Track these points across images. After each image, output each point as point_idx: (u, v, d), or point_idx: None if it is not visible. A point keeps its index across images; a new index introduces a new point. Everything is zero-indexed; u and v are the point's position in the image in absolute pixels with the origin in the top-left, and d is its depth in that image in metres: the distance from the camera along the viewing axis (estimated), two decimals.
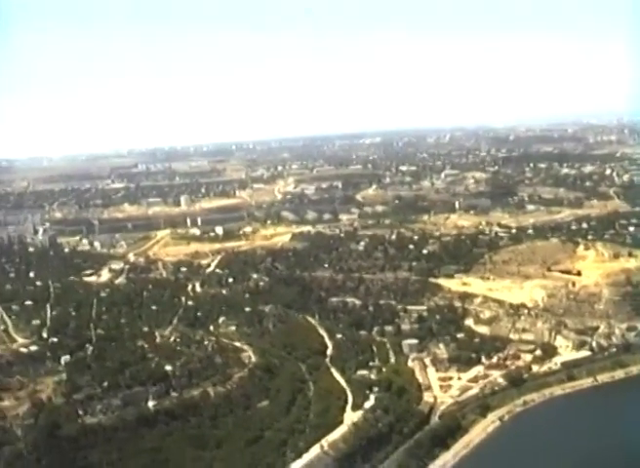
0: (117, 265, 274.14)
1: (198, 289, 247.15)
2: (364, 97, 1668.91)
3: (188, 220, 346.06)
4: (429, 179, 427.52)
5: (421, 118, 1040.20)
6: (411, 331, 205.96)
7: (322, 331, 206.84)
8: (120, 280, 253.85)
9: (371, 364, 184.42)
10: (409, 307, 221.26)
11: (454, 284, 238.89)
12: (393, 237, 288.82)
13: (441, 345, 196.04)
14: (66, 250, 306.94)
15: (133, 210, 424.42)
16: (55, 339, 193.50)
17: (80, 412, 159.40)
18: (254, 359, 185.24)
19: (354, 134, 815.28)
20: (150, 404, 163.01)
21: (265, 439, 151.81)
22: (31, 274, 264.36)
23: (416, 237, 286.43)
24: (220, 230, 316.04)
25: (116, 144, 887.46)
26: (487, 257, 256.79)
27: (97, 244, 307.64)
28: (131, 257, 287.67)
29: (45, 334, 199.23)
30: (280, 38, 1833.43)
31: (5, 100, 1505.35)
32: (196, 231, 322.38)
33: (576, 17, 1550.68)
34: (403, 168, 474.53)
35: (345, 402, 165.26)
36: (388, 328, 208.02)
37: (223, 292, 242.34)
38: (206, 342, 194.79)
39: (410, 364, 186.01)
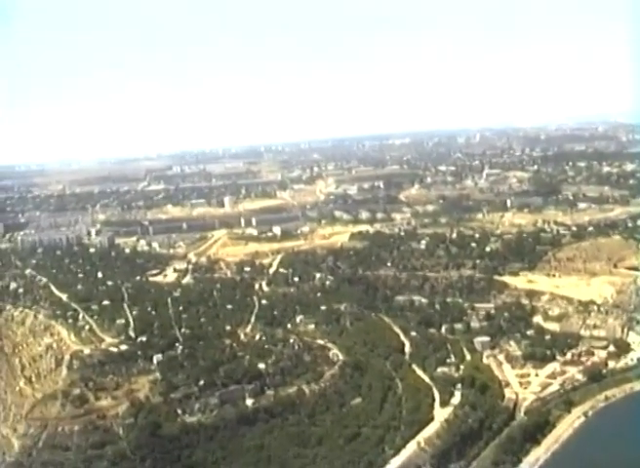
0: (181, 265, 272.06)
1: (265, 288, 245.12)
2: (391, 97, 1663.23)
3: (242, 221, 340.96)
4: (472, 179, 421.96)
5: (448, 118, 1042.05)
6: (480, 328, 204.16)
7: (396, 329, 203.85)
8: (187, 280, 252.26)
9: (448, 361, 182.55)
10: (476, 305, 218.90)
11: (519, 281, 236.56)
12: (454, 235, 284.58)
13: (512, 342, 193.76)
14: (127, 250, 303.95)
15: (176, 211, 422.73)
16: (143, 339, 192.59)
17: (179, 411, 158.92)
18: (341, 357, 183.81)
19: (382, 134, 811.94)
20: (248, 402, 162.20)
21: (363, 436, 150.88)
22: (99, 274, 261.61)
23: (477, 235, 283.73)
24: (277, 230, 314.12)
25: (144, 148, 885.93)
26: (550, 255, 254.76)
27: (155, 244, 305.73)
28: (192, 258, 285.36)
29: (132, 334, 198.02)
30: (305, 39, 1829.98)
31: (32, 105, 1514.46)
32: (253, 231, 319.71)
33: (593, 17, 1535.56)
34: (442, 168, 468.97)
35: (432, 398, 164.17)
36: (458, 325, 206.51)
37: (291, 290, 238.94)
38: (291, 340, 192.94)
39: (485, 361, 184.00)
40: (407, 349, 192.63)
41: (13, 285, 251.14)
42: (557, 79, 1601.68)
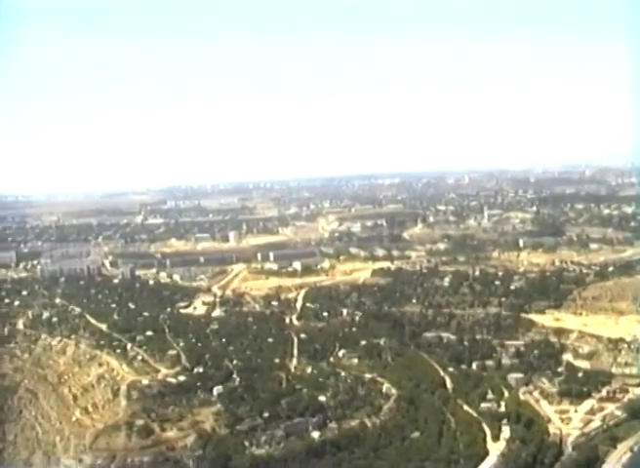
0: (207, 298, 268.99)
1: (295, 322, 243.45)
2: (377, 138, 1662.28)
3: (259, 255, 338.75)
4: (475, 219, 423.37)
5: (433, 160, 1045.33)
6: (511, 365, 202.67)
7: (434, 365, 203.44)
8: (217, 313, 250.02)
9: (488, 397, 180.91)
10: (506, 342, 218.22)
11: (546, 319, 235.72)
12: (476, 273, 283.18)
13: (544, 379, 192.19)
14: (150, 282, 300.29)
15: (180, 245, 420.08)
16: (200, 370, 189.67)
17: (246, 444, 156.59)
18: (394, 391, 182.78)
19: (370, 174, 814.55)
20: (314, 434, 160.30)
21: None
22: (131, 305, 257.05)
23: (499, 273, 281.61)
24: (297, 265, 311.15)
25: (131, 182, 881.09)
26: (576, 294, 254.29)
27: (176, 277, 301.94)
28: (216, 291, 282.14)
29: (187, 365, 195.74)
30: (292, 80, 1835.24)
31: (16, 138, 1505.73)
32: (273, 266, 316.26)
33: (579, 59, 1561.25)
34: (441, 207, 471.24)
35: (484, 433, 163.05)
36: (489, 362, 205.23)
37: (320, 325, 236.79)
38: (343, 374, 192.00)
39: (522, 397, 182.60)
40: (448, 384, 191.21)
41: (45, 314, 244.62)
42: (541, 123, 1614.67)
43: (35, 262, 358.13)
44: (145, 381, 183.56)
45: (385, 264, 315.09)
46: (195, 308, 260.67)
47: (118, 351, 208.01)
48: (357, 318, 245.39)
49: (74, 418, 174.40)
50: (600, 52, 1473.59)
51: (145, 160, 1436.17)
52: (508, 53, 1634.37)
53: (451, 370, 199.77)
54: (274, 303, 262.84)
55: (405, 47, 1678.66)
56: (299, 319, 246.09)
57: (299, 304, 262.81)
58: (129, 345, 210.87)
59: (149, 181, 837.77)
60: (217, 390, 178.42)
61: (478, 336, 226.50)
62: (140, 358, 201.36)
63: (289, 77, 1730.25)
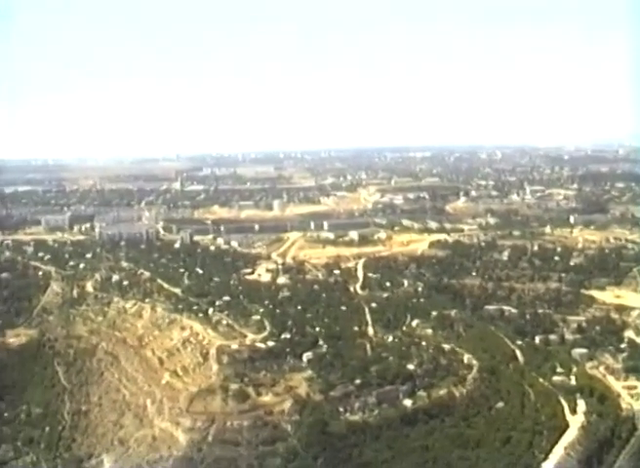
0: (269, 265, 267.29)
1: (360, 291, 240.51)
2: (408, 110, 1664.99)
3: (312, 224, 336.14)
4: (518, 194, 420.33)
5: (463, 134, 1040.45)
6: (574, 340, 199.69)
7: (502, 337, 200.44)
8: (282, 280, 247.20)
9: (558, 370, 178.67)
10: (568, 317, 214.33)
11: (607, 296, 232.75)
12: (535, 248, 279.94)
13: (607, 355, 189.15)
14: (212, 248, 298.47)
15: (223, 212, 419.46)
16: (287, 336, 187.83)
17: (340, 410, 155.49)
18: (474, 361, 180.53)
19: (399, 147, 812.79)
20: (406, 402, 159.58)
21: (514, 439, 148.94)
22: (198, 270, 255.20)
23: (558, 249, 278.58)
24: (354, 235, 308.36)
25: (160, 148, 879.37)
26: (636, 271, 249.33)
27: (234, 244, 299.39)
28: (276, 258, 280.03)
29: (273, 330, 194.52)
30: (323, 49, 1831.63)
31: (45, 102, 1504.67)
32: (329, 235, 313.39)
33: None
34: (482, 182, 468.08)
35: (561, 405, 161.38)
36: (552, 336, 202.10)
37: (385, 295, 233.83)
38: (423, 343, 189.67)
39: (589, 372, 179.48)
40: (519, 357, 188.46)
41: (115, 277, 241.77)
42: (570, 101, 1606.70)
43: (87, 225, 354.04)
44: (235, 346, 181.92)
45: (441, 236, 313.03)
46: (260, 275, 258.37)
47: (200, 315, 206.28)
48: (420, 289, 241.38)
49: (164, 381, 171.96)
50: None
51: (175, 127, 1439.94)
52: (541, 31, 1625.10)
53: (518, 342, 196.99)
54: (336, 272, 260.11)
55: (439, 23, 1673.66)
56: (362, 288, 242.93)
57: (359, 274, 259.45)
58: (210, 310, 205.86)
59: (179, 148, 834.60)
60: (306, 356, 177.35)
61: (540, 311, 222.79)
62: (224, 322, 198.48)
63: (319, 47, 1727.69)
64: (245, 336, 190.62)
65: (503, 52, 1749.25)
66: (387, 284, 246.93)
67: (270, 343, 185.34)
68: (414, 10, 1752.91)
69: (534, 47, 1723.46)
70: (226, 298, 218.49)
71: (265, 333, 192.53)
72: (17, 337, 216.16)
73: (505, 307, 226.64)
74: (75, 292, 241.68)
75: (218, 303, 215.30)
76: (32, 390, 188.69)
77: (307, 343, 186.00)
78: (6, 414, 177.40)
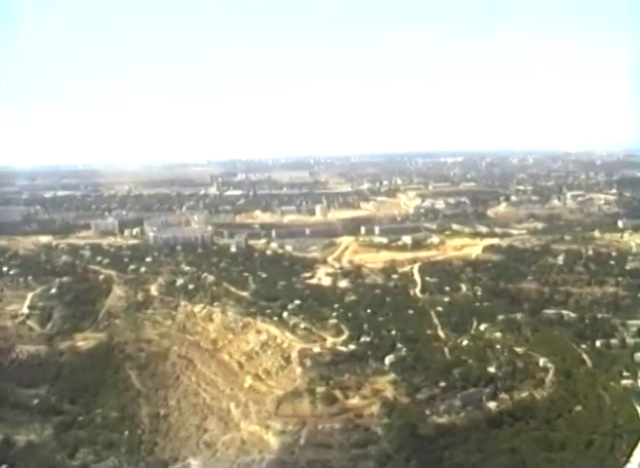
0: (328, 269, 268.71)
1: (419, 295, 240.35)
2: (436, 116, 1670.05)
3: (362, 229, 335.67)
4: (559, 199, 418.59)
5: (492, 139, 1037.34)
6: (635, 344, 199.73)
7: (567, 341, 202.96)
8: (344, 284, 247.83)
9: (624, 374, 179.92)
10: (627, 322, 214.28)
11: None
12: (589, 252, 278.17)
13: None
14: (268, 252, 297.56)
15: (266, 217, 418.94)
16: (367, 339, 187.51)
17: (427, 412, 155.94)
18: (549, 364, 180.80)
19: (429, 152, 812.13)
20: (490, 405, 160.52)
21: (597, 442, 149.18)
22: (261, 274, 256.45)
23: (613, 253, 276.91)
24: (407, 239, 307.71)
25: (189, 154, 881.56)
26: None
27: (288, 248, 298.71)
28: (332, 262, 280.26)
29: (351, 333, 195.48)
30: (351, 55, 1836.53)
31: (71, 106, 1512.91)
32: (382, 239, 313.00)
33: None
34: (520, 187, 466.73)
35: (635, 409, 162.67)
36: (613, 341, 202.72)
37: (446, 299, 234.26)
38: (498, 347, 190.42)
39: None
40: (587, 360, 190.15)
41: (179, 281, 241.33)
42: (598, 105, 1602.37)
43: (137, 230, 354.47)
44: (317, 349, 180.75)
45: (493, 241, 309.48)
46: (320, 279, 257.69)
47: (274, 319, 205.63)
48: (479, 293, 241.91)
49: (247, 385, 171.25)
50: None
51: (204, 132, 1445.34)
52: (572, 34, 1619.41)
53: (584, 346, 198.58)
54: (394, 276, 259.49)
55: (468, 26, 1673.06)
56: (422, 292, 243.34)
57: (417, 278, 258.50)
58: (285, 313, 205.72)
59: (209, 154, 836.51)
60: (389, 359, 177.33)
61: (598, 315, 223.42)
62: (302, 326, 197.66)
63: (348, 50, 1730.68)
64: (324, 340, 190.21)
65: (529, 56, 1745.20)
66: (446, 288, 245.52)
67: (351, 346, 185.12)
68: (443, 15, 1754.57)
69: (561, 51, 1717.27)
70: (297, 302, 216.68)
71: (344, 337, 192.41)
72: (85, 341, 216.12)
73: (564, 311, 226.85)
74: (140, 296, 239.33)
75: (290, 307, 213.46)
76: (105, 394, 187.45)
77: (387, 346, 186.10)
78: (80, 418, 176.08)
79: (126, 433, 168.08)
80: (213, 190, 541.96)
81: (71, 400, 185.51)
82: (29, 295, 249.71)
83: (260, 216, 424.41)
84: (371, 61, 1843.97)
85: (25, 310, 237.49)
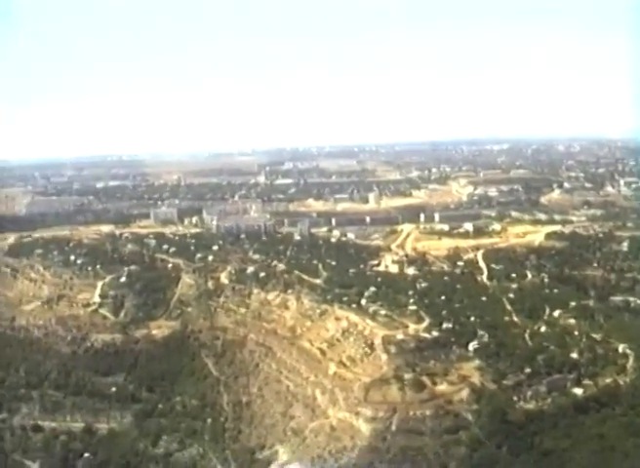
0: (394, 257, 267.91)
1: (486, 281, 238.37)
2: (480, 104, 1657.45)
3: (422, 216, 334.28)
4: (614, 187, 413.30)
5: (536, 126, 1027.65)
6: None
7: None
8: (411, 271, 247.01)
9: None
10: None
11: None
12: None
13: None
14: (332, 240, 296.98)
15: (319, 205, 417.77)
16: (449, 326, 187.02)
17: (514, 398, 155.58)
18: (628, 350, 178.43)
19: (473, 139, 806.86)
20: (576, 391, 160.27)
21: None
22: (330, 261, 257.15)
23: None
24: (469, 226, 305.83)
25: (233, 143, 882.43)
26: None
27: (350, 236, 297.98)
28: (396, 250, 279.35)
29: (432, 320, 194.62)
30: (400, 42, 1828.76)
31: (118, 97, 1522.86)
32: (443, 227, 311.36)
33: None
34: (572, 174, 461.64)
35: None
36: None
37: (513, 286, 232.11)
38: (575, 333, 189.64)
39: None
40: None
41: (250, 269, 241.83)
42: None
43: (195, 219, 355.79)
44: (400, 336, 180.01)
45: (555, 228, 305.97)
46: (387, 266, 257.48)
47: (353, 306, 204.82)
48: (545, 280, 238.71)
49: (331, 372, 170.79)
50: None
51: (248, 122, 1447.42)
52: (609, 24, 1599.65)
53: None
54: (459, 263, 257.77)
55: (516, 19, 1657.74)
56: (489, 279, 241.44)
57: (482, 265, 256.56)
58: (363, 301, 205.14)
59: (254, 143, 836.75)
60: (472, 346, 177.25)
61: None
62: (382, 313, 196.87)
63: (389, 41, 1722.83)
64: (406, 327, 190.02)
65: (566, 45, 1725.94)
66: (513, 275, 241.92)
67: (434, 333, 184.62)
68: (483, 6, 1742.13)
69: (603, 37, 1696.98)
70: (373, 289, 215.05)
71: (425, 324, 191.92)
72: (159, 329, 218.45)
73: (631, 298, 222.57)
74: (210, 284, 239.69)
75: (366, 294, 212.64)
76: (183, 382, 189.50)
77: (468, 333, 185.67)
78: (160, 406, 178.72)
79: (208, 421, 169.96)
80: (262, 179, 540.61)
81: (149, 388, 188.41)
82: (99, 284, 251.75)
83: (314, 205, 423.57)
84: (411, 49, 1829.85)
85: (97, 299, 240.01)
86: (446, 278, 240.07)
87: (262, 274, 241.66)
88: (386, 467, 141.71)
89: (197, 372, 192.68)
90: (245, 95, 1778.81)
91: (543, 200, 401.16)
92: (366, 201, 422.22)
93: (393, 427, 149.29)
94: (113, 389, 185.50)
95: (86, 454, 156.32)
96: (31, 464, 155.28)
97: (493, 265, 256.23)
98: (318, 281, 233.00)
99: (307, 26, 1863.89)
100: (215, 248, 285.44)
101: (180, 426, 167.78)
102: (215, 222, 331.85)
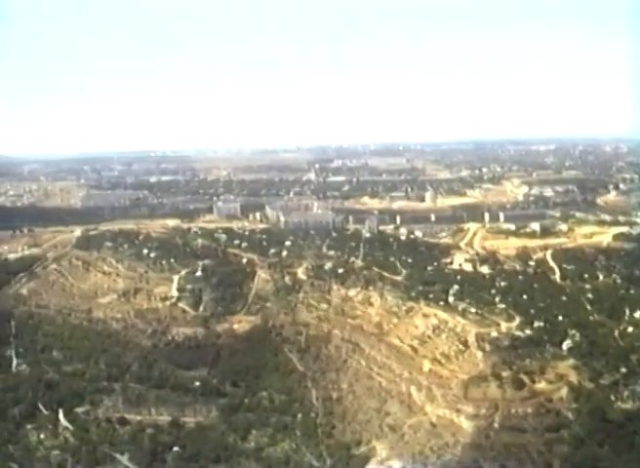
0: (464, 255, 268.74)
1: (559, 281, 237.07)
2: (526, 103, 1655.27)
3: (486, 215, 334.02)
4: None
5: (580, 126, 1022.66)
6: None
7: None
8: (485, 270, 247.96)
9: None
10: None
11: None
12: None
13: None
14: (402, 237, 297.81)
15: (374, 203, 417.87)
16: (540, 324, 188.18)
17: (612, 398, 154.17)
18: None
19: (519, 139, 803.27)
20: None
21: None
22: (406, 258, 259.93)
23: None
24: (536, 226, 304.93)
25: (277, 140, 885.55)
26: None
27: (418, 233, 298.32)
28: (465, 248, 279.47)
29: (523, 319, 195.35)
30: (441, 41, 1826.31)
31: (169, 93, 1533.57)
32: (510, 226, 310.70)
33: None
34: (626, 175, 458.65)
35: None
36: None
37: (587, 286, 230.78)
38: None
39: None
40: None
41: (327, 265, 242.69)
42: None
43: (259, 214, 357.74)
44: (494, 334, 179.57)
45: (622, 229, 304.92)
46: (460, 264, 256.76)
47: (440, 303, 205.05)
48: (618, 281, 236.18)
49: (426, 369, 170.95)
50: None
51: (292, 119, 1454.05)
52: None
53: None
54: (530, 263, 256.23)
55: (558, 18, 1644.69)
56: (562, 279, 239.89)
57: (552, 265, 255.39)
58: (451, 298, 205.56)
59: (298, 140, 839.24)
60: (566, 344, 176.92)
61: None
62: (472, 310, 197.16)
63: (430, 41, 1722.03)
64: (498, 324, 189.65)
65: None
66: (585, 275, 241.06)
67: (527, 331, 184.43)
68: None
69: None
70: (456, 287, 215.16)
71: (517, 322, 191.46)
72: (239, 324, 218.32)
73: None
74: (287, 280, 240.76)
75: (451, 292, 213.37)
76: (268, 377, 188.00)
77: (559, 332, 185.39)
78: (246, 401, 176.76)
79: (299, 416, 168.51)
80: (312, 176, 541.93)
81: (233, 382, 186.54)
82: (175, 278, 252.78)
83: (369, 202, 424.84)
84: (451, 48, 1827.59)
85: (175, 292, 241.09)
86: (520, 277, 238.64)
87: (341, 270, 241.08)
88: (490, 464, 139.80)
89: (282, 368, 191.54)
90: (289, 92, 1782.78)
91: (599, 201, 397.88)
92: (422, 199, 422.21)
93: (495, 424, 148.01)
94: (197, 383, 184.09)
95: (175, 448, 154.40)
96: (120, 457, 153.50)
97: (564, 265, 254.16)
98: (399, 278, 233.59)
99: (355, 25, 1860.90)
100: (287, 243, 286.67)
101: (269, 421, 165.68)
102: (282, 218, 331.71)
